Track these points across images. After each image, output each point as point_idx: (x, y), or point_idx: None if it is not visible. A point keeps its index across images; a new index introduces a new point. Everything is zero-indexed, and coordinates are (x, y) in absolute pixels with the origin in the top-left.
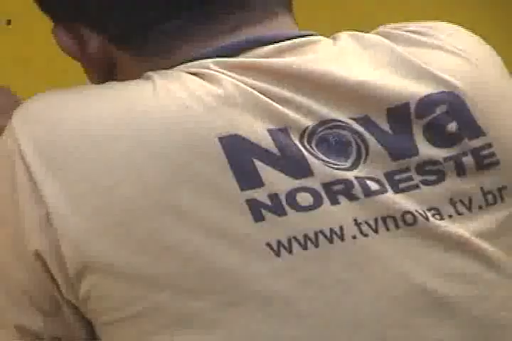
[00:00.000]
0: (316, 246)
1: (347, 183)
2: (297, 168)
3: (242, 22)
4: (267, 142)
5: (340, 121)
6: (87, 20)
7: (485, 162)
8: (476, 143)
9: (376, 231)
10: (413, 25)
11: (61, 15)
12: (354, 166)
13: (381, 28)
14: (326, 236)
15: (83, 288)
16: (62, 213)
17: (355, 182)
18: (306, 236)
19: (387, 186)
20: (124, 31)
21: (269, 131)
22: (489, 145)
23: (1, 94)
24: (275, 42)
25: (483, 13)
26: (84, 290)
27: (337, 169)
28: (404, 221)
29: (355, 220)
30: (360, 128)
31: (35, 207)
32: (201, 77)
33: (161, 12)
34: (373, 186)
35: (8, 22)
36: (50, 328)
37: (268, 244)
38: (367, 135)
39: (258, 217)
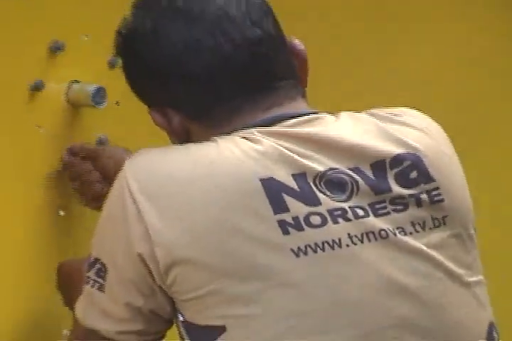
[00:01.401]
0: (323, 250)
1: (343, 210)
2: (311, 199)
3: (274, 104)
4: (291, 182)
5: (340, 169)
6: (171, 104)
7: (434, 199)
8: (429, 186)
9: (362, 241)
10: (390, 110)
11: (152, 102)
12: (348, 199)
13: (369, 110)
14: (329, 245)
15: (169, 278)
16: (156, 229)
17: (348, 209)
18: (316, 244)
19: (370, 212)
20: (197, 111)
21: (293, 175)
22: (437, 189)
23: (118, 150)
24: (295, 117)
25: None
26: (170, 279)
27: (337, 201)
28: (381, 235)
29: (349, 234)
30: (354, 174)
31: (138, 225)
32: (248, 140)
33: (222, 98)
34: (360, 212)
35: (117, 103)
36: (147, 304)
37: (291, 249)
38: (358, 179)
39: (285, 232)
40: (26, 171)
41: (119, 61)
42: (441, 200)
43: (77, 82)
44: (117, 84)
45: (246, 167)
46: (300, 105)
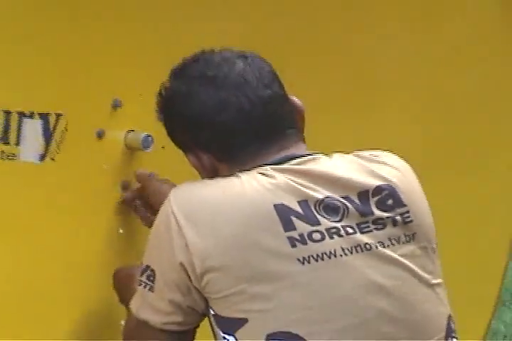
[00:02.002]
0: (322, 259)
1: (337, 229)
2: (312, 220)
3: (283, 148)
4: (297, 207)
5: (334, 197)
6: (202, 149)
7: (406, 220)
8: (401, 210)
9: (352, 253)
10: (371, 152)
11: (187, 147)
12: (341, 220)
13: (355, 152)
14: (327, 255)
15: (203, 281)
16: (193, 243)
17: (341, 228)
18: (317, 255)
19: (357, 230)
20: (223, 154)
21: (298, 201)
22: (408, 212)
23: (166, 182)
24: (299, 158)
25: None
26: (204, 282)
27: (332, 221)
28: (366, 248)
29: (341, 247)
30: (344, 201)
31: (180, 240)
32: (264, 175)
33: (243, 144)
34: (350, 230)
35: (163, 147)
36: (186, 301)
37: (298, 259)
38: (348, 204)
39: (293, 245)
40: (94, 198)
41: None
42: (411, 221)
43: (132, 130)
44: (163, 132)
45: (262, 195)
46: (301, 148)
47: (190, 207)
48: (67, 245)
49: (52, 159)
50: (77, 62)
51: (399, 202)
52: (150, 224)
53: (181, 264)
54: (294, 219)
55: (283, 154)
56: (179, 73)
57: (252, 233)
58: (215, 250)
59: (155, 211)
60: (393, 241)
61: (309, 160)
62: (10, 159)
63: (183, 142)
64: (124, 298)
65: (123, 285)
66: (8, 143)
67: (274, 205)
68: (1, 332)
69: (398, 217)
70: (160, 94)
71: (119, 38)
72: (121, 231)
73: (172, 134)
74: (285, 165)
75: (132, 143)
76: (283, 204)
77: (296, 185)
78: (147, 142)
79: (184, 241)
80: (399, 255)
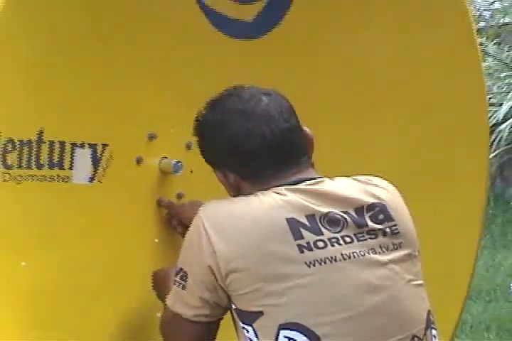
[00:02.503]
0: (325, 263)
1: (337, 238)
2: (317, 231)
3: (296, 172)
4: (305, 220)
5: (336, 212)
6: (230, 169)
7: (394, 232)
8: (390, 224)
9: (350, 258)
10: (366, 177)
11: (217, 166)
12: (340, 231)
13: (353, 176)
14: (329, 260)
15: (227, 281)
16: (219, 249)
17: (340, 238)
18: (321, 259)
19: (354, 239)
20: (246, 175)
21: (306, 216)
22: (395, 225)
23: (193, 202)
24: (309, 180)
25: None
26: (228, 282)
27: (333, 232)
28: (361, 254)
29: (341, 253)
30: (344, 215)
31: (208, 247)
32: (279, 194)
33: (264, 167)
34: (348, 239)
35: (191, 171)
36: (212, 298)
37: (305, 263)
38: (347, 218)
39: (301, 252)
40: (134, 213)
41: (193, 144)
42: (398, 232)
43: (165, 157)
44: (191, 159)
45: (276, 211)
46: (311, 172)
47: (217, 221)
48: (113, 252)
49: (100, 181)
50: (120, 101)
51: (388, 217)
52: (183, 235)
53: (209, 267)
54: (302, 230)
55: (296, 177)
56: (215, 105)
57: (268, 242)
58: (237, 255)
59: (186, 227)
60: (383, 249)
61: (317, 182)
62: (64, 181)
63: (213, 161)
64: (161, 295)
65: (160, 284)
66: (63, 168)
67: (286, 219)
68: (56, 324)
69: (388, 229)
70: (197, 120)
71: (154, 85)
72: (156, 240)
73: (204, 154)
74: (297, 186)
75: (165, 168)
76: (293, 218)
77: (305, 202)
78: (177, 167)
79: (212, 248)
80: (388, 260)
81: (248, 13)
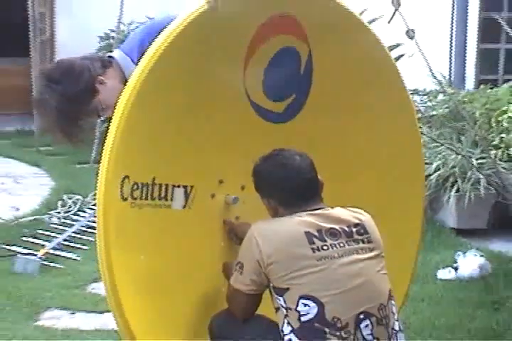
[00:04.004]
0: (328, 259)
1: (335, 244)
2: (323, 239)
3: (313, 204)
4: (315, 233)
5: (335, 227)
6: (273, 199)
7: (369, 240)
8: (367, 236)
9: (343, 256)
10: (353, 208)
11: (264, 195)
12: (337, 239)
13: (345, 207)
14: (330, 257)
15: (268, 269)
16: (263, 250)
17: (337, 243)
18: (325, 257)
19: (346, 245)
20: (282, 203)
21: (316, 230)
22: (370, 236)
23: (244, 222)
24: (320, 209)
25: None
26: (268, 270)
27: (333, 240)
28: (349, 253)
29: (338, 253)
30: (340, 230)
31: (256, 248)
32: (300, 216)
33: (296, 200)
34: (342, 245)
35: (244, 202)
36: (258, 279)
37: (316, 259)
38: (341, 231)
39: (313, 252)
40: (211, 228)
41: (245, 186)
42: (371, 241)
43: (228, 194)
44: (244, 195)
45: (298, 227)
46: (320, 204)
47: (263, 232)
48: (196, 251)
49: (190, 208)
50: (203, 160)
51: (365, 231)
52: (239, 243)
53: (257, 261)
54: (313, 239)
55: (312, 207)
56: (266, 159)
57: (292, 246)
58: (273, 254)
59: (240, 237)
60: (362, 251)
61: (324, 210)
62: (167, 208)
63: (263, 193)
64: (227, 276)
65: (227, 270)
66: (167, 200)
67: (304, 232)
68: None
69: (365, 239)
70: (255, 168)
71: (223, 149)
72: (222, 244)
73: (258, 188)
74: (311, 212)
75: (228, 200)
76: (308, 231)
77: (316, 221)
78: (235, 200)
79: (259, 249)
80: (365, 258)
81: (280, 107)
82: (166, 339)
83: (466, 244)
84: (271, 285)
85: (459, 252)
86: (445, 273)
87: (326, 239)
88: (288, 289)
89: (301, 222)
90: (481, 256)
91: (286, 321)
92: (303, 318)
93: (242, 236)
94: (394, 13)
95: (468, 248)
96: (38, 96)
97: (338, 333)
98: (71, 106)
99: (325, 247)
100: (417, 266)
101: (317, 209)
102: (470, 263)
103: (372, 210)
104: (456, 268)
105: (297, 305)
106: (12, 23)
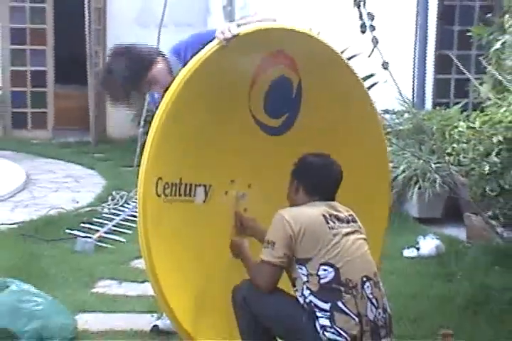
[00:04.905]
0: (342, 235)
1: (342, 226)
2: (334, 222)
3: (328, 198)
4: (328, 217)
5: (339, 215)
6: (303, 187)
7: (359, 227)
8: (358, 223)
9: (348, 235)
10: (347, 208)
11: (296, 183)
12: (342, 223)
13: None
14: (343, 234)
15: (297, 242)
16: (293, 228)
17: (343, 226)
18: (338, 234)
19: (348, 227)
20: (309, 192)
21: (329, 214)
22: (359, 224)
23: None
24: (328, 201)
25: None
26: (297, 243)
27: (340, 223)
28: (352, 233)
29: (345, 232)
30: (343, 216)
31: (288, 226)
32: (316, 206)
33: (319, 192)
34: (345, 226)
35: (250, 198)
36: (288, 252)
37: (332, 234)
38: (344, 217)
39: (330, 230)
40: (226, 217)
41: (251, 184)
42: (360, 228)
43: (238, 191)
44: (251, 192)
45: (316, 211)
46: (335, 198)
47: (292, 214)
48: (215, 235)
49: (208, 202)
50: (219, 163)
51: (355, 221)
52: (243, 231)
53: (290, 236)
54: (328, 220)
55: (324, 199)
56: (319, 156)
57: (314, 225)
58: (301, 230)
59: (244, 226)
60: (359, 233)
61: (330, 201)
62: (190, 202)
63: (299, 176)
64: (233, 251)
65: (233, 246)
66: (190, 196)
67: (322, 214)
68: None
69: (357, 226)
70: (306, 157)
71: (233, 155)
72: (234, 230)
73: (297, 171)
74: (323, 202)
75: (238, 196)
76: (324, 215)
77: (328, 209)
78: (244, 195)
79: (290, 226)
80: (360, 238)
81: (277, 122)
82: (190, 303)
83: (426, 229)
84: (295, 257)
85: (420, 236)
86: (409, 252)
87: (335, 221)
88: (311, 259)
89: (317, 208)
90: (437, 238)
91: (305, 287)
92: (322, 281)
93: (246, 225)
94: (373, 49)
95: (427, 232)
96: (106, 66)
97: (350, 291)
98: (132, 73)
99: (336, 227)
100: (385, 246)
101: (326, 201)
102: (429, 244)
103: (349, 204)
104: (418, 248)
105: (318, 270)
106: (72, 58)
